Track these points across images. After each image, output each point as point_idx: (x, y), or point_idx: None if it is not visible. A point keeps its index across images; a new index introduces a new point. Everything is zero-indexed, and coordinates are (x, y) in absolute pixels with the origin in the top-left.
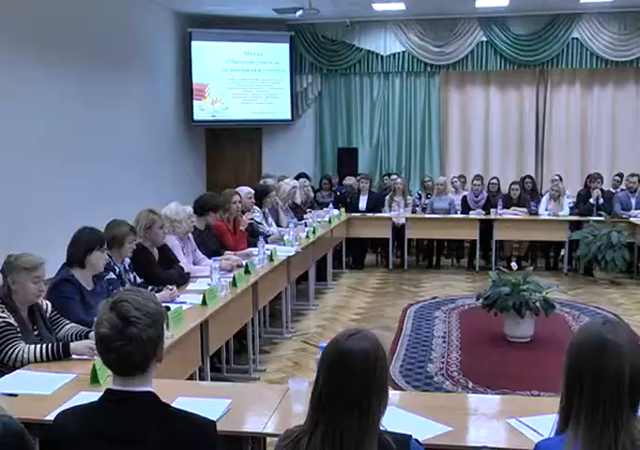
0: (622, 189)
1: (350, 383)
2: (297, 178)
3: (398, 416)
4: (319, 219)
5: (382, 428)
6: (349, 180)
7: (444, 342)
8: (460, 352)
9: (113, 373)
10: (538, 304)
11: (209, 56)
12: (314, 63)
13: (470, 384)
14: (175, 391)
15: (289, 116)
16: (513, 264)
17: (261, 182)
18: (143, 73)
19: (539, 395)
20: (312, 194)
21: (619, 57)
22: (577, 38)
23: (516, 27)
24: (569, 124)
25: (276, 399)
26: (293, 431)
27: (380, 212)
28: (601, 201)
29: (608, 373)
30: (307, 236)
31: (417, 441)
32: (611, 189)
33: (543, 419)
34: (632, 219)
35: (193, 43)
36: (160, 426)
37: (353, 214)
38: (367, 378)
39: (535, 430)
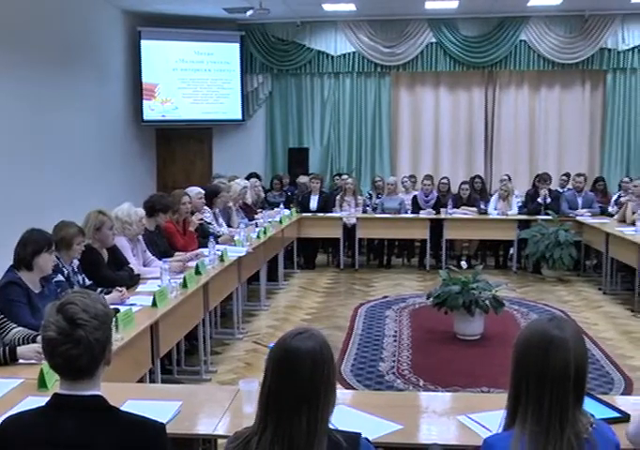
0: (569, 189)
1: (297, 383)
2: (247, 178)
3: (348, 415)
4: (270, 219)
5: (332, 427)
6: (303, 178)
7: (395, 341)
8: (411, 351)
9: (60, 377)
10: (487, 302)
11: (159, 56)
12: (265, 63)
13: (421, 382)
14: (124, 394)
15: (240, 116)
16: (463, 263)
17: (215, 182)
18: (91, 72)
19: (488, 391)
20: (262, 194)
21: (566, 59)
22: (525, 41)
23: (465, 29)
24: (517, 124)
25: (227, 401)
26: (242, 433)
27: (331, 212)
28: (549, 200)
29: (554, 369)
30: (258, 236)
31: (366, 439)
32: (558, 189)
33: (492, 415)
34: (578, 218)
35: (143, 42)
36: (107, 430)
37: (304, 214)
38: (314, 377)
39: (484, 426)
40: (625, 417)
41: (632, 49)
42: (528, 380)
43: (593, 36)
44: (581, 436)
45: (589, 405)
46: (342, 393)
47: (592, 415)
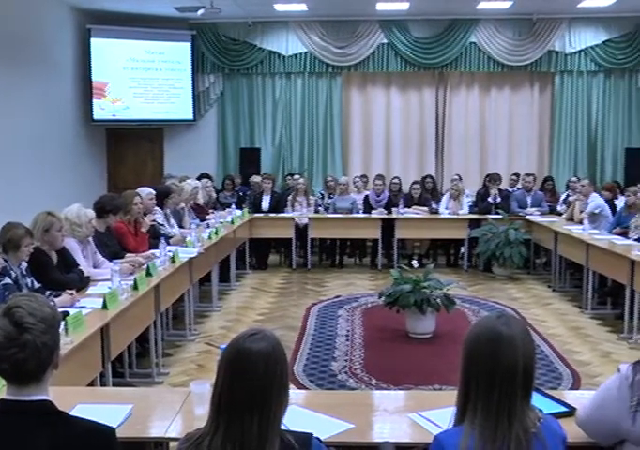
0: (519, 188)
1: (250, 384)
2: (199, 178)
3: (300, 415)
4: (222, 220)
5: (284, 428)
6: (256, 178)
7: (347, 340)
8: (363, 350)
9: (6, 382)
10: (439, 300)
11: (109, 54)
12: (216, 63)
13: (373, 381)
14: (74, 398)
15: (191, 116)
16: (415, 262)
17: (167, 182)
18: (39, 71)
19: (440, 388)
20: (214, 194)
21: (515, 61)
22: (475, 43)
23: (416, 30)
24: (467, 125)
25: (178, 403)
26: (194, 434)
27: (283, 212)
28: (499, 199)
29: (502, 365)
30: (209, 237)
31: (318, 439)
32: (508, 188)
33: (443, 412)
34: (528, 217)
35: (93, 40)
36: (54, 435)
37: (256, 214)
38: (266, 378)
39: (435, 423)
40: (572, 411)
41: (579, 52)
42: (477, 376)
43: (541, 39)
44: (529, 431)
45: (538, 400)
46: (294, 393)
47: (541, 410)
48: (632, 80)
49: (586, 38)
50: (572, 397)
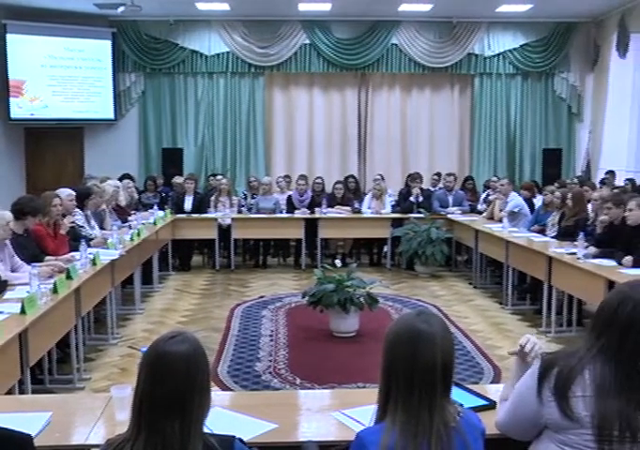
0: (440, 188)
1: (171, 387)
2: (120, 179)
3: (224, 417)
4: (144, 221)
5: (207, 431)
6: (178, 179)
7: (271, 341)
8: (287, 350)
9: None
10: (362, 299)
11: (26, 51)
12: (138, 61)
13: (298, 381)
14: None
15: (112, 115)
16: (338, 262)
17: (88, 183)
18: None
19: (364, 386)
20: (136, 195)
21: (435, 63)
22: (396, 44)
23: (338, 31)
24: (389, 125)
25: (99, 408)
26: (115, 440)
27: (206, 213)
28: (421, 199)
29: (422, 362)
30: (131, 239)
31: (241, 440)
32: (430, 188)
33: (366, 410)
34: (449, 216)
35: (8, 36)
36: None
37: (178, 215)
38: (187, 381)
39: (357, 421)
40: (492, 405)
41: (498, 55)
42: (398, 373)
43: (461, 41)
44: (449, 425)
45: (459, 395)
46: (217, 395)
47: (461, 405)
48: (549, 82)
49: (505, 42)
50: (493, 390)
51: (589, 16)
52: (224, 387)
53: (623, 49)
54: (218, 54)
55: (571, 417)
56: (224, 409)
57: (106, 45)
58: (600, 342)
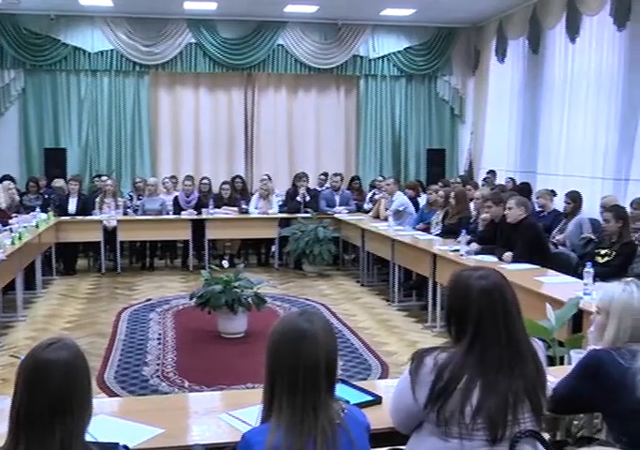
0: (327, 188)
1: (49, 395)
2: (0, 180)
3: (109, 425)
4: (26, 224)
5: (91, 440)
6: (58, 182)
7: (159, 344)
8: (175, 353)
9: None
10: (250, 299)
11: None
12: (17, 57)
13: (186, 384)
14: None
15: None
16: (225, 262)
17: None
18: None
19: (253, 387)
20: (17, 197)
21: (321, 65)
22: (282, 45)
23: (224, 31)
24: (276, 126)
25: None
26: None
27: (91, 215)
28: (308, 198)
29: (305, 360)
30: (12, 243)
31: (125, 447)
32: (317, 188)
33: (252, 410)
34: (336, 215)
35: None
36: None
37: (62, 217)
38: (67, 389)
39: (244, 422)
40: (378, 400)
41: (382, 57)
42: (282, 372)
43: (346, 43)
44: (334, 422)
45: (345, 392)
46: (103, 402)
47: (347, 401)
48: (432, 85)
49: (389, 45)
50: (382, 385)
51: (470, 22)
52: (111, 393)
53: (502, 54)
54: (101, 52)
55: (447, 411)
56: (110, 416)
57: None
58: (463, 334)
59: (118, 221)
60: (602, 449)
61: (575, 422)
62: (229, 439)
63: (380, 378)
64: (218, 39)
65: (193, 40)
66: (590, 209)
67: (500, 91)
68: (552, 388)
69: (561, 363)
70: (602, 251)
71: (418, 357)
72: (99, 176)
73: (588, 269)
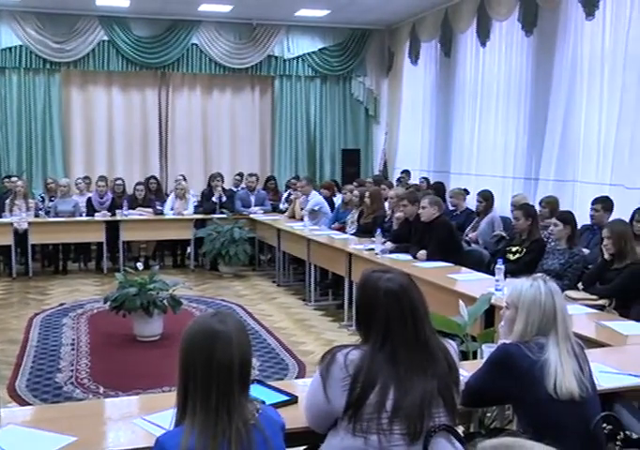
0: (242, 188)
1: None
2: None
3: (18, 435)
4: None
5: None
6: None
7: (73, 349)
8: (90, 358)
9: None
10: (165, 302)
11: None
12: None
13: (101, 389)
14: None
15: None
16: (139, 264)
17: None
18: None
19: (170, 390)
20: None
21: (236, 64)
22: (197, 44)
23: (138, 29)
24: (191, 126)
25: None
26: None
27: (0, 217)
28: (224, 199)
29: (219, 361)
30: None
31: None
32: (232, 188)
33: (167, 414)
34: (252, 216)
35: None
36: None
37: None
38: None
39: (159, 426)
40: (294, 399)
41: (297, 58)
42: (195, 374)
43: (261, 43)
44: (248, 422)
45: (260, 392)
46: (13, 411)
47: (263, 402)
48: (346, 85)
49: (304, 45)
50: (298, 385)
51: (383, 24)
52: (23, 402)
53: (415, 56)
54: (9, 48)
55: (365, 414)
56: (20, 426)
57: None
58: (373, 334)
59: (29, 224)
60: (509, 439)
61: (488, 414)
62: (144, 444)
63: (297, 377)
64: (131, 37)
65: (106, 38)
66: (502, 207)
67: (414, 92)
68: (464, 382)
69: (474, 357)
70: (513, 248)
71: (329, 354)
72: (9, 177)
73: (499, 266)
